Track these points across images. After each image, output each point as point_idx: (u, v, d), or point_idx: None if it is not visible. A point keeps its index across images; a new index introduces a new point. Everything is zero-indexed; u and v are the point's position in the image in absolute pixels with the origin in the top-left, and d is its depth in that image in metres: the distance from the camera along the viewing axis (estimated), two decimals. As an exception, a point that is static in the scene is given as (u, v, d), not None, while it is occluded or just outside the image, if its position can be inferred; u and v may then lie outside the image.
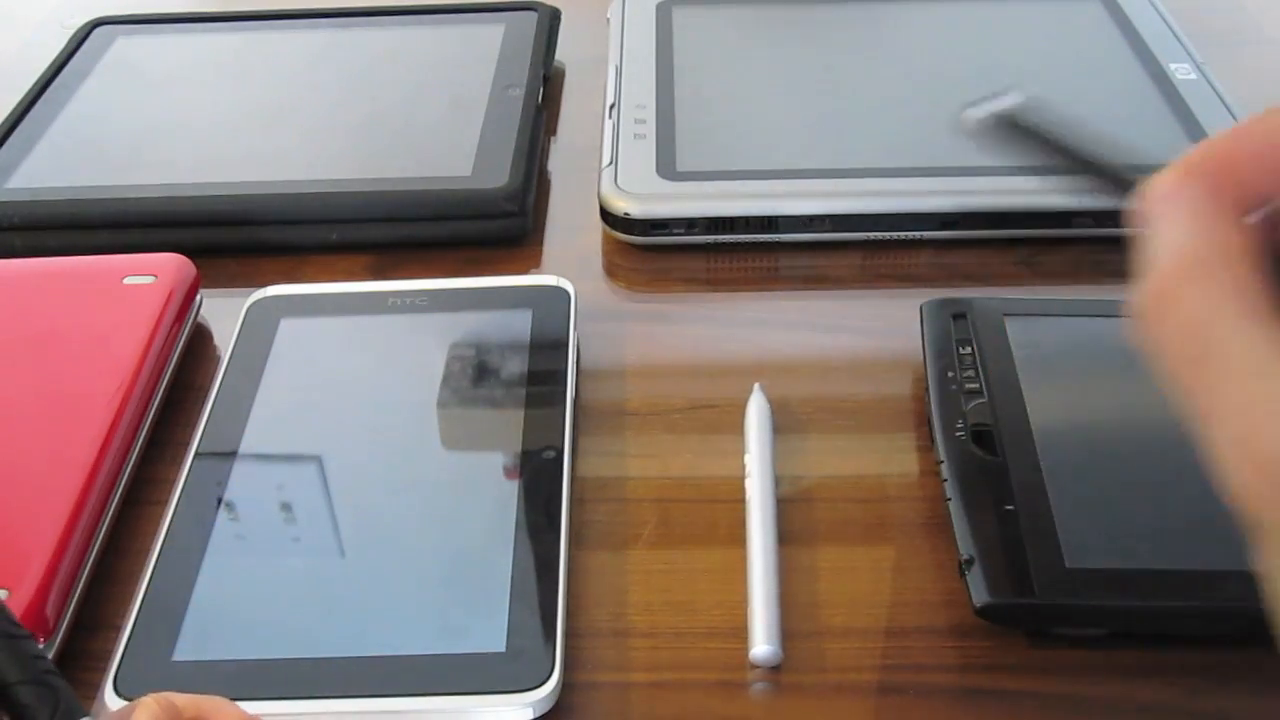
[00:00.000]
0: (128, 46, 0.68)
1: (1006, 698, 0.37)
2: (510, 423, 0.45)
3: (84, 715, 0.29)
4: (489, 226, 0.55)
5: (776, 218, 0.54)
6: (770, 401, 0.46)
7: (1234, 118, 0.57)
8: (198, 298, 0.51)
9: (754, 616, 0.38)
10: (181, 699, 0.30)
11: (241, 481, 0.43)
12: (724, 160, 0.56)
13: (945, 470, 0.42)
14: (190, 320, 0.50)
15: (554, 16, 0.69)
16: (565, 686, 0.37)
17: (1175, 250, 0.25)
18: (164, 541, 0.41)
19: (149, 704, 0.29)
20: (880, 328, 0.51)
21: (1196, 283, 0.24)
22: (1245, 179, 0.26)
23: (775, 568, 0.40)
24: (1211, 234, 0.25)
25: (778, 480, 0.43)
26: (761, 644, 0.38)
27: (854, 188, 0.54)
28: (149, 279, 0.50)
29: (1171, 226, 0.26)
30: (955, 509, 0.40)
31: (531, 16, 0.68)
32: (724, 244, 0.55)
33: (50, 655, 0.38)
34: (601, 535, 0.42)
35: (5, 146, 0.59)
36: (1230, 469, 0.23)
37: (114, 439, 0.43)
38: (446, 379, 0.47)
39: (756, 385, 0.46)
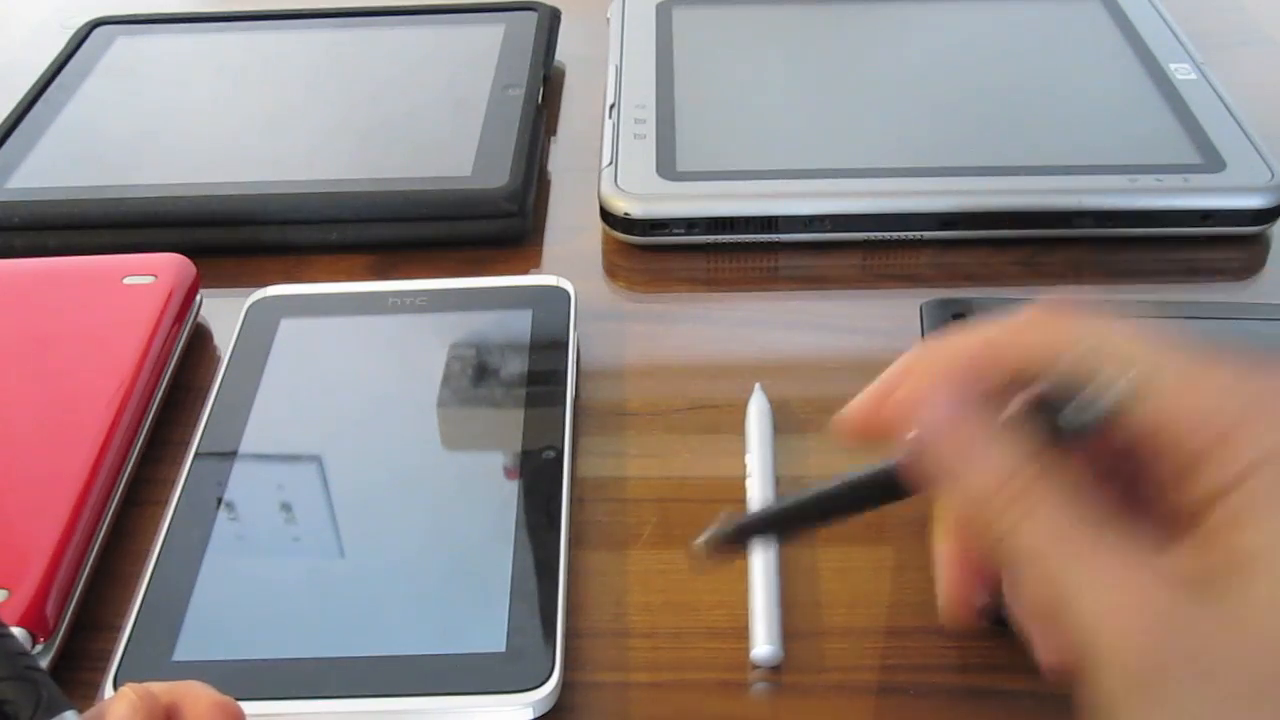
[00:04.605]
0: (128, 46, 0.68)
1: (1006, 698, 0.37)
2: (510, 423, 0.45)
3: (68, 709, 0.29)
4: (489, 226, 0.55)
5: (776, 218, 0.54)
6: (770, 401, 0.46)
7: (1234, 118, 0.57)
8: (198, 298, 0.51)
9: (754, 616, 0.38)
10: (159, 687, 0.30)
11: (241, 481, 0.43)
12: (724, 160, 0.56)
13: (945, 470, 0.41)
14: (190, 320, 0.50)
15: (554, 16, 0.69)
16: (565, 686, 0.37)
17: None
18: (164, 541, 0.41)
19: (126, 693, 0.29)
20: (880, 328, 0.51)
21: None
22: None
23: (775, 568, 0.40)
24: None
25: (778, 480, 0.43)
26: (762, 644, 0.38)
27: (854, 188, 0.54)
28: (149, 279, 0.50)
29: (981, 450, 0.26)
30: (955, 509, 0.40)
31: (531, 16, 0.68)
32: (724, 244, 0.55)
33: (50, 655, 0.38)
34: (601, 535, 0.42)
35: (5, 146, 0.59)
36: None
37: (114, 439, 0.43)
38: (446, 379, 0.47)
39: (757, 385, 0.46)
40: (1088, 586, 0.23)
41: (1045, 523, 0.24)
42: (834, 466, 0.44)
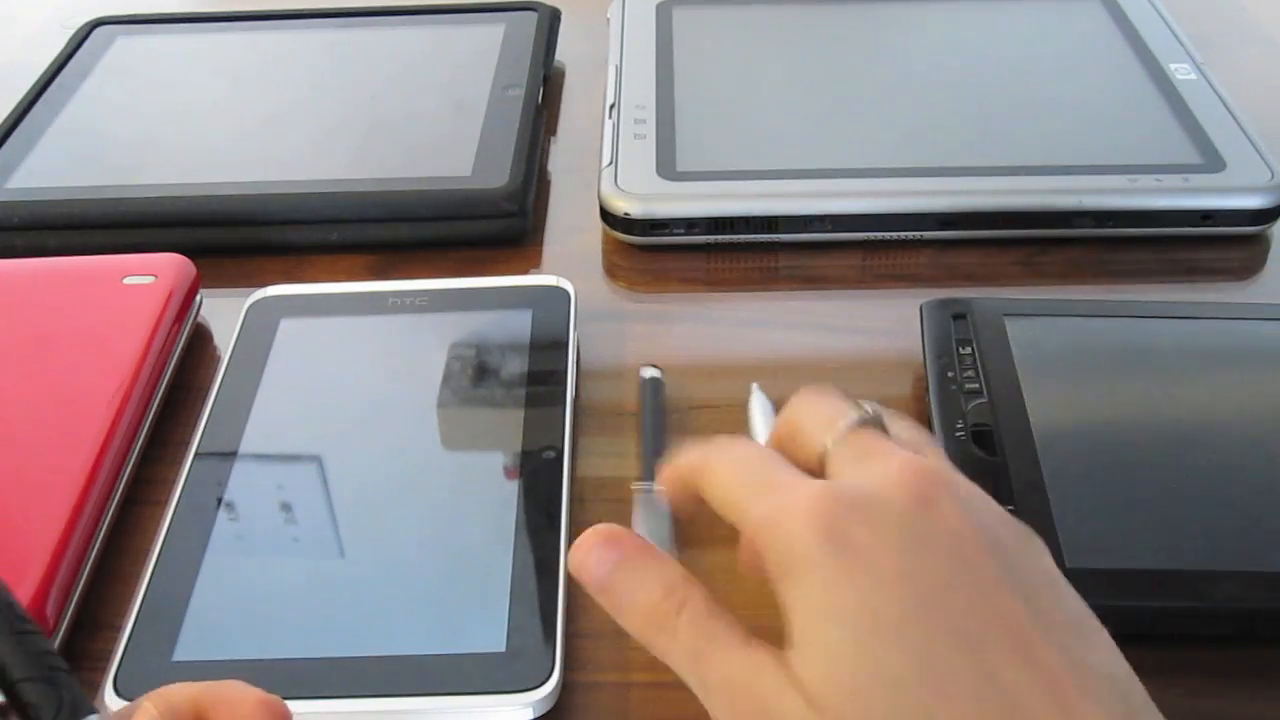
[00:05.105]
0: (128, 46, 0.68)
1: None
2: (510, 423, 0.45)
3: (91, 713, 0.29)
4: (489, 226, 0.55)
5: (776, 218, 0.54)
6: (771, 401, 0.46)
7: (1234, 118, 0.57)
8: (198, 298, 0.51)
9: (754, 616, 0.38)
10: (180, 697, 0.29)
11: (241, 481, 0.43)
12: (724, 160, 0.56)
13: (945, 470, 0.41)
14: (190, 320, 0.50)
15: (554, 16, 0.69)
16: (565, 686, 0.37)
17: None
18: (164, 541, 0.41)
19: (147, 708, 0.29)
20: (880, 328, 0.51)
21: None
22: None
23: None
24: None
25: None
26: (761, 644, 0.37)
27: (854, 188, 0.54)
28: (149, 279, 0.50)
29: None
30: (955, 509, 0.40)
31: (531, 16, 0.68)
32: (724, 244, 0.55)
33: (51, 655, 0.38)
34: (601, 535, 0.42)
35: (5, 146, 0.59)
36: None
37: (114, 439, 0.43)
38: (446, 379, 0.47)
39: (756, 385, 0.46)
40: (707, 683, 0.31)
41: (684, 631, 0.31)
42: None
